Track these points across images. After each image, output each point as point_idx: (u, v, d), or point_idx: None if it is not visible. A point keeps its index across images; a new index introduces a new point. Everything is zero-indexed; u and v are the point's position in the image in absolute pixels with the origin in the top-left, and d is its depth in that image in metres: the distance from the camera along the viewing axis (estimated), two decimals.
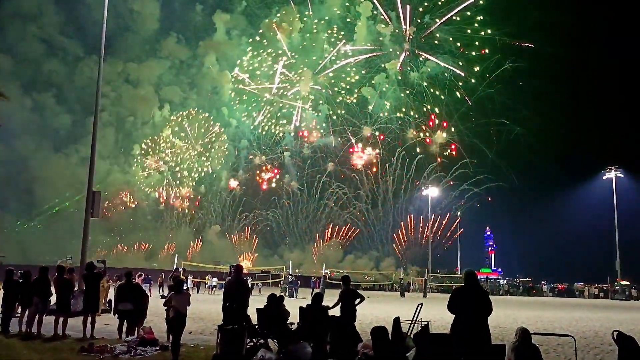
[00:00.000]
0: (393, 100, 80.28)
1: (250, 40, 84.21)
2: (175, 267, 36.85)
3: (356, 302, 10.87)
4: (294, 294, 36.56)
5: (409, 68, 79.70)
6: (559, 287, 67.66)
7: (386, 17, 79.74)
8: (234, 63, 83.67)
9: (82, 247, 19.85)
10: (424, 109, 79.12)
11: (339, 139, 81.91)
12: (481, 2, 72.85)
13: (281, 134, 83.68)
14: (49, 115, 78.79)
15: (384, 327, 9.07)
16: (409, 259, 75.55)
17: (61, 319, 12.52)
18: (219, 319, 11.41)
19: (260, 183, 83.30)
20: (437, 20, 76.61)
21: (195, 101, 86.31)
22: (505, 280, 76.96)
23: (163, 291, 32.41)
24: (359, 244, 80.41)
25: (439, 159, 77.42)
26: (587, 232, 64.05)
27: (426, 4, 76.85)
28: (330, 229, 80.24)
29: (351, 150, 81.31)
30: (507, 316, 23.42)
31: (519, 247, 77.27)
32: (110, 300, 17.14)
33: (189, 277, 39.02)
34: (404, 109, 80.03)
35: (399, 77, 79.96)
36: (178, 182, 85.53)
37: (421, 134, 78.92)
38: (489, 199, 76.08)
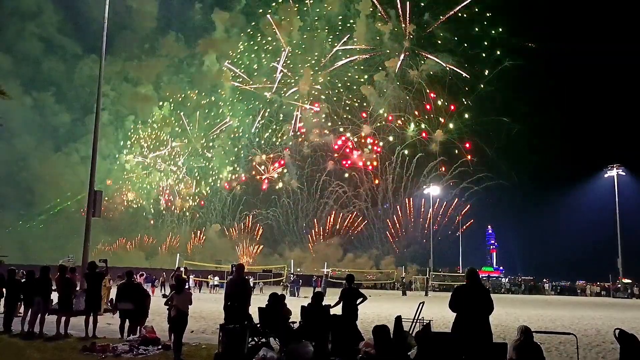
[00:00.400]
0: (393, 98, 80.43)
1: (250, 38, 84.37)
2: (177, 266, 36.90)
3: (358, 301, 10.87)
4: (296, 293, 36.58)
5: (409, 67, 79.79)
6: (563, 284, 67.71)
7: (385, 15, 79.91)
8: (234, 61, 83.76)
9: (84, 246, 19.86)
10: (423, 106, 79.26)
11: (339, 137, 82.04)
12: None
13: (281, 133, 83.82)
14: (49, 113, 79.05)
15: (385, 326, 9.07)
16: (409, 257, 75.60)
17: (63, 319, 12.54)
18: (221, 318, 11.42)
19: (261, 181, 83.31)
20: (437, 18, 76.65)
21: (195, 99, 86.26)
22: (507, 279, 76.94)
23: (165, 290, 32.45)
24: (359, 243, 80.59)
25: (439, 158, 77.51)
26: (588, 230, 63.97)
27: (425, 1, 76.87)
28: (333, 217, 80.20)
29: (349, 149, 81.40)
30: (508, 314, 23.40)
31: (520, 246, 77.27)
32: (112, 299, 17.16)
33: (191, 276, 39.08)
34: (403, 107, 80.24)
35: (399, 75, 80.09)
36: (178, 180, 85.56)
37: (423, 125, 78.80)
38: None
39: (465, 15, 74.09)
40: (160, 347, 10.94)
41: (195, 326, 14.95)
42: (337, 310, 10.82)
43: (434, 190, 66.67)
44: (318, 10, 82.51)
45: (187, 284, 18.61)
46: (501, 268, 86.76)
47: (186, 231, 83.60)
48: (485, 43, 72.67)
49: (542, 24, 68.19)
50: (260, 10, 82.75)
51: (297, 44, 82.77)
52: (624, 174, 58.99)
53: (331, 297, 11.71)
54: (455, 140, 76.64)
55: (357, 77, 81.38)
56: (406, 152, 78.68)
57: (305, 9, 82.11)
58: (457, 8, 74.20)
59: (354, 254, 78.37)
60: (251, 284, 31.89)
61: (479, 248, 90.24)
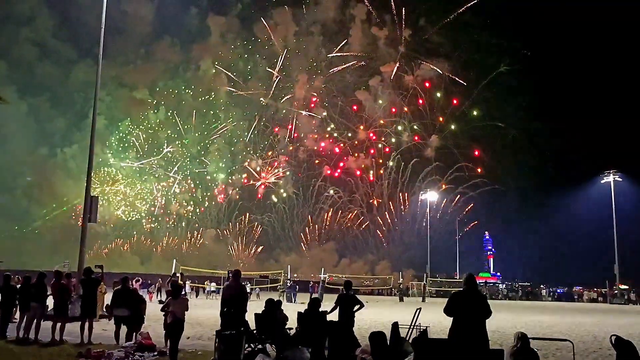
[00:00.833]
0: (388, 103, 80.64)
1: (245, 43, 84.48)
2: (173, 272, 36.77)
3: (355, 308, 10.84)
4: (293, 298, 36.47)
5: (405, 72, 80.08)
6: (560, 290, 67.72)
7: (381, 20, 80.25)
8: (229, 66, 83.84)
9: (80, 252, 19.78)
10: (419, 112, 79.50)
11: (334, 142, 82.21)
12: (477, 5, 73.12)
13: (277, 138, 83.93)
14: (44, 119, 78.49)
15: (382, 332, 9.05)
16: (405, 263, 75.60)
17: (59, 325, 12.49)
18: (217, 324, 11.38)
19: (257, 187, 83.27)
20: (433, 23, 76.97)
21: (190, 104, 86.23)
22: (504, 285, 76.87)
23: (161, 296, 32.33)
24: (354, 248, 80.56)
25: (435, 163, 77.66)
26: (585, 236, 64.07)
27: (421, 7, 77.18)
28: (328, 223, 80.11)
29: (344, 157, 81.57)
30: (506, 321, 23.37)
31: (517, 252, 77.33)
32: (107, 305, 17.09)
33: (187, 282, 38.94)
34: (398, 112, 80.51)
35: (394, 81, 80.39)
36: (174, 185, 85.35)
37: (415, 127, 78.85)
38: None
39: (460, 21, 74.42)
40: (156, 353, 10.89)
41: (191, 332, 14.89)
42: (334, 317, 10.79)
43: (430, 195, 66.70)
44: (314, 15, 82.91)
45: (183, 289, 18.56)
46: (498, 274, 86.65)
47: (181, 236, 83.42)
48: (481, 49, 72.92)
49: (538, 29, 68.50)
50: (256, 15, 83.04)
51: (292, 49, 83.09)
52: (620, 179, 59.10)
53: (328, 303, 11.68)
54: (451, 146, 76.86)
55: (352, 82, 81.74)
56: (400, 157, 79.02)
57: (300, 14, 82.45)
58: (453, 13, 74.62)
59: (350, 259, 78.41)
60: (248, 290, 31.91)
61: (476, 254, 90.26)
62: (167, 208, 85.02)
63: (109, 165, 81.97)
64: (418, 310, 10.87)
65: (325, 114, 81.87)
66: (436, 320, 19.53)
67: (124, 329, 12.35)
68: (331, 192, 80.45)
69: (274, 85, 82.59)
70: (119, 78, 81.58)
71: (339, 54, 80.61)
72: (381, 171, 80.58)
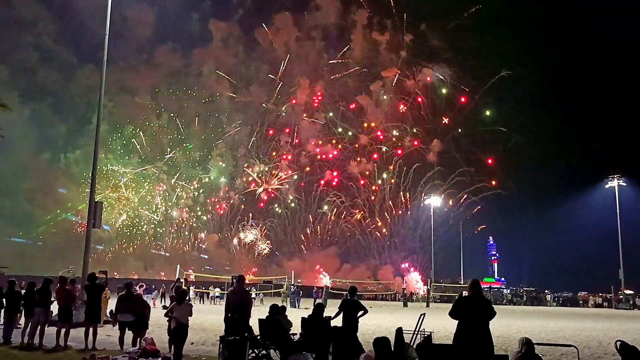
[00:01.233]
0: (390, 108, 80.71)
1: (247, 48, 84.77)
2: (177, 277, 36.81)
3: (359, 314, 10.83)
4: (296, 304, 36.45)
5: (406, 77, 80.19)
6: (565, 295, 67.40)
7: (382, 25, 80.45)
8: (230, 71, 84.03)
9: (84, 257, 19.83)
10: (420, 116, 79.53)
11: (336, 147, 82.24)
12: (479, 10, 73.15)
13: (279, 144, 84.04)
14: (46, 124, 78.52)
15: (386, 338, 9.04)
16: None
17: (63, 330, 12.51)
18: (221, 330, 11.39)
19: (259, 192, 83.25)
20: (434, 28, 77.10)
21: (193, 109, 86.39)
22: (509, 290, 76.59)
23: (165, 302, 32.34)
24: (356, 253, 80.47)
25: (437, 167, 77.56)
26: (590, 241, 63.91)
27: (423, 12, 77.34)
28: (330, 227, 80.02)
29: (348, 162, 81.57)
30: (510, 326, 23.27)
31: (522, 256, 77.13)
32: (111, 311, 17.12)
33: (191, 288, 38.97)
34: (400, 117, 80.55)
35: (395, 85, 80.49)
36: (177, 190, 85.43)
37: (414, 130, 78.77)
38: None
39: (464, 23, 74.46)
40: (160, 359, 10.90)
41: (196, 338, 14.89)
42: (338, 322, 10.79)
43: (434, 200, 66.59)
44: (315, 20, 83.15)
45: (187, 295, 18.59)
46: (503, 279, 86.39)
47: (185, 241, 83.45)
48: (482, 53, 72.98)
49: (541, 34, 68.56)
50: (257, 21, 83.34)
51: (294, 54, 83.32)
52: (625, 184, 58.97)
53: (332, 309, 11.68)
54: (452, 150, 76.77)
55: (354, 87, 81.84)
56: (401, 161, 78.98)
57: (301, 19, 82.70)
58: (454, 17, 74.69)
59: (352, 264, 78.24)
60: (253, 295, 31.89)
61: (480, 259, 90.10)
62: (170, 213, 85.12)
63: (111, 170, 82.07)
64: (422, 316, 10.85)
65: (327, 117, 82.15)
66: (440, 325, 19.53)
67: (128, 334, 12.36)
68: (333, 197, 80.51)
69: (276, 91, 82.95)
70: (120, 83, 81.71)
71: (340, 60, 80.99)
72: (384, 175, 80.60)
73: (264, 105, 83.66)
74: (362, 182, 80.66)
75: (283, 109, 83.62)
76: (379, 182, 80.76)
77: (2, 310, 13.96)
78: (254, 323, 10.99)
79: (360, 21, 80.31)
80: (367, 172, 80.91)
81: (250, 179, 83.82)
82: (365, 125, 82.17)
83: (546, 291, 69.63)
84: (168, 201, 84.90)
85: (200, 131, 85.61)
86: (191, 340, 13.02)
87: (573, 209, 68.23)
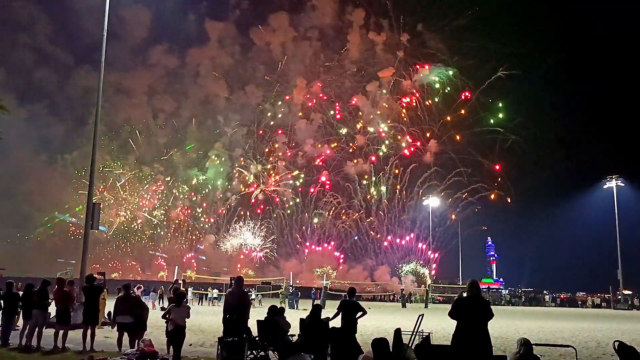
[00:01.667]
0: (386, 108, 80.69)
1: (243, 49, 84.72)
2: (175, 278, 36.77)
3: (358, 315, 10.83)
4: (295, 305, 36.43)
5: (403, 77, 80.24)
6: (561, 296, 67.44)
7: (378, 25, 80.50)
8: (227, 71, 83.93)
9: (82, 259, 19.77)
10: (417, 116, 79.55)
11: (333, 147, 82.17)
12: (475, 10, 73.14)
13: (275, 144, 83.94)
14: (43, 125, 78.25)
15: (384, 339, 9.03)
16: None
17: (61, 332, 12.47)
18: (220, 331, 11.38)
19: (254, 192, 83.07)
20: (431, 28, 77.20)
21: (189, 110, 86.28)
22: (507, 290, 76.65)
23: (163, 303, 32.30)
24: (352, 254, 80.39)
25: (434, 168, 77.54)
26: (588, 242, 64.07)
27: (419, 12, 77.43)
28: (327, 228, 79.88)
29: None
30: (508, 326, 23.26)
31: (520, 257, 77.22)
32: (110, 312, 17.09)
33: (189, 289, 38.93)
34: (396, 117, 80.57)
35: (392, 85, 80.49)
36: (174, 192, 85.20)
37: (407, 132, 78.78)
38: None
39: (460, 23, 74.44)
40: None
41: (194, 339, 14.87)
42: (336, 323, 10.78)
43: (432, 201, 66.60)
44: (311, 20, 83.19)
45: (185, 297, 18.58)
46: (501, 279, 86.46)
47: (182, 242, 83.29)
48: (480, 53, 73.02)
49: (539, 34, 68.65)
50: (254, 21, 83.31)
51: (290, 54, 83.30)
52: (623, 185, 59.07)
53: (330, 310, 11.68)
54: (449, 150, 76.72)
55: (350, 87, 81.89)
56: (398, 162, 78.99)
57: (298, 19, 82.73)
58: (450, 18, 74.74)
59: (349, 264, 78.16)
60: (252, 297, 31.89)
61: (478, 259, 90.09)
62: (167, 214, 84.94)
63: (108, 171, 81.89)
64: (420, 317, 10.85)
65: (323, 117, 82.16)
66: (439, 326, 19.54)
67: (126, 336, 12.34)
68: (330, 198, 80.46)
69: (273, 91, 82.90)
70: (117, 84, 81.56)
71: (336, 61, 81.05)
72: (380, 175, 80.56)
73: (260, 105, 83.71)
74: (358, 182, 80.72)
75: (279, 109, 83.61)
76: (376, 181, 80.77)
77: (0, 312, 13.93)
78: (252, 324, 10.98)
79: (356, 21, 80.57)
80: (364, 172, 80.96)
81: (248, 179, 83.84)
82: (362, 125, 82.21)
83: (544, 292, 69.76)
84: (165, 202, 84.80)
85: (196, 131, 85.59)
86: (189, 341, 13.00)
87: (571, 209, 68.40)
